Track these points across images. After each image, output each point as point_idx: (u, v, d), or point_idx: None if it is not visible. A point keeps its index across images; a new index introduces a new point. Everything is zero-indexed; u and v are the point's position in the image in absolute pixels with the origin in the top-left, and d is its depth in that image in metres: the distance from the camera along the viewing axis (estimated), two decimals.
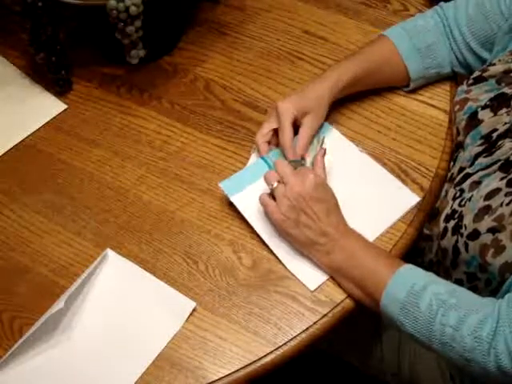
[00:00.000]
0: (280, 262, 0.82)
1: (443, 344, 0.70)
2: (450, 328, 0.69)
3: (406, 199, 0.86)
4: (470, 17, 0.91)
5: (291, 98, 0.89)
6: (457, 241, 0.78)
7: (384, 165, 0.90)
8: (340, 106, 0.96)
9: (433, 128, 0.94)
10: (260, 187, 0.84)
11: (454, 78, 0.98)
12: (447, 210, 0.82)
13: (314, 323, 0.77)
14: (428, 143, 0.92)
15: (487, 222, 0.74)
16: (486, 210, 0.75)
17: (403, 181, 0.88)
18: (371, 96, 0.97)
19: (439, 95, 0.97)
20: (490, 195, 0.76)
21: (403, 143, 0.93)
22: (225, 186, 0.86)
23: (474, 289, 0.78)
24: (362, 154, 0.91)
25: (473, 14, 0.91)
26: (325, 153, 0.85)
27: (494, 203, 0.75)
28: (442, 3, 0.96)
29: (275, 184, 0.80)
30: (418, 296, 0.72)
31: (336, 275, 0.79)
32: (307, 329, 0.77)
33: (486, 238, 0.74)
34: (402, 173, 0.89)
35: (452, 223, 0.80)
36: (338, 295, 0.79)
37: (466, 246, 0.77)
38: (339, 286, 0.79)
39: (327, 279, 0.80)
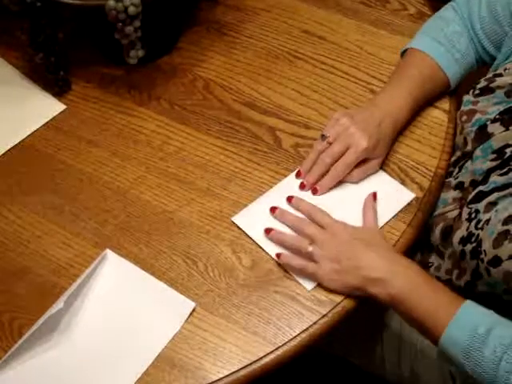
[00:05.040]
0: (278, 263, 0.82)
1: None
2: None
3: (402, 197, 0.86)
4: (482, 18, 0.91)
5: (368, 135, 0.85)
6: (477, 265, 0.77)
7: (383, 164, 0.90)
8: (340, 106, 0.96)
9: (432, 128, 0.94)
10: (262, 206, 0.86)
11: None
12: (462, 232, 0.80)
13: (314, 323, 0.77)
14: (428, 143, 0.92)
15: (508, 248, 0.72)
16: (505, 235, 0.73)
17: (403, 180, 0.88)
18: (370, 96, 0.97)
19: (439, 95, 0.97)
20: (509, 220, 0.73)
21: (403, 143, 0.93)
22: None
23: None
24: None
25: (485, 15, 0.91)
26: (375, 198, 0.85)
27: None
28: (456, 1, 0.96)
29: (310, 248, 0.79)
30: (482, 341, 0.69)
31: (395, 309, 0.77)
32: (307, 329, 0.77)
33: (509, 265, 0.72)
34: (401, 172, 0.89)
35: (469, 247, 0.78)
36: (338, 295, 0.79)
37: (488, 271, 0.75)
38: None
39: None
